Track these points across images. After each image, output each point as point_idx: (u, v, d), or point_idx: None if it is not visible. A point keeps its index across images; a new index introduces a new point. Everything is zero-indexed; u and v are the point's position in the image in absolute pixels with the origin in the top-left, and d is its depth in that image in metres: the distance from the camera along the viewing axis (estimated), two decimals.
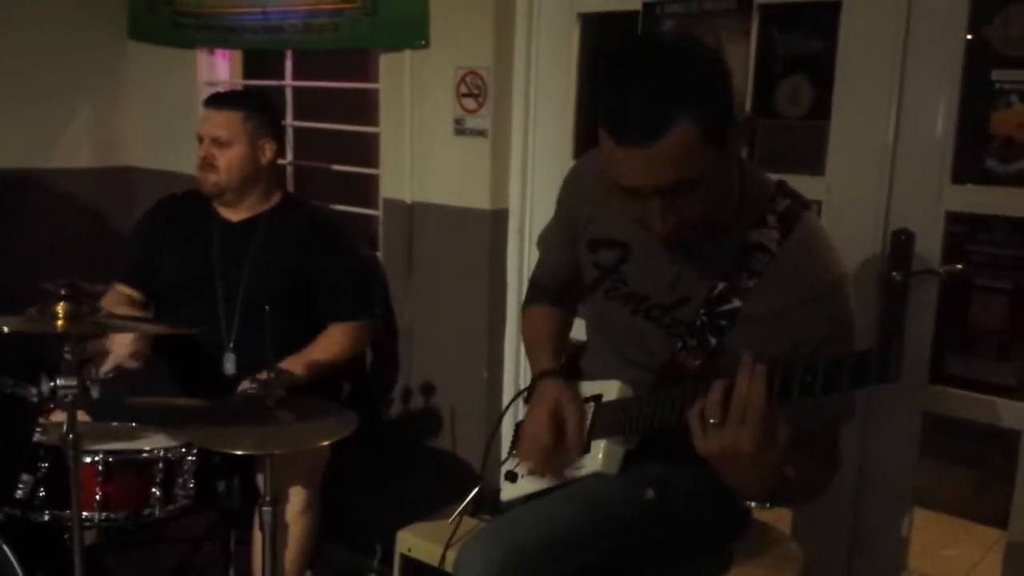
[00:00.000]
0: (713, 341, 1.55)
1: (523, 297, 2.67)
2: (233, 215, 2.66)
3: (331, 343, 2.59)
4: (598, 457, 1.63)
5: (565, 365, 1.83)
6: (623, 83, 1.38)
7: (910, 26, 2.01)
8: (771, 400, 1.31)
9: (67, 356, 1.73)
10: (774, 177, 1.64)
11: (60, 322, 1.70)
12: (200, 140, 2.62)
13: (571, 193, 1.78)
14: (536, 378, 1.79)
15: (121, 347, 2.36)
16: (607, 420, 1.65)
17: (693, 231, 1.48)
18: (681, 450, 1.42)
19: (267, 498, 2.09)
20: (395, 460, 2.95)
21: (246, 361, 2.49)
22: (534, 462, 1.71)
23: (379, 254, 3.00)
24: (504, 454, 1.92)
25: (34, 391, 1.91)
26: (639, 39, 1.47)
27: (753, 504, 1.80)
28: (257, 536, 2.34)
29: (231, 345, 2.56)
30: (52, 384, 1.70)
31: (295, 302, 2.55)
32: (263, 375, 2.16)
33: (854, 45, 2.09)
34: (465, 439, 2.81)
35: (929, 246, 2.04)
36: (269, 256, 2.60)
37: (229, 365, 2.56)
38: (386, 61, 2.84)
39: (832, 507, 2.19)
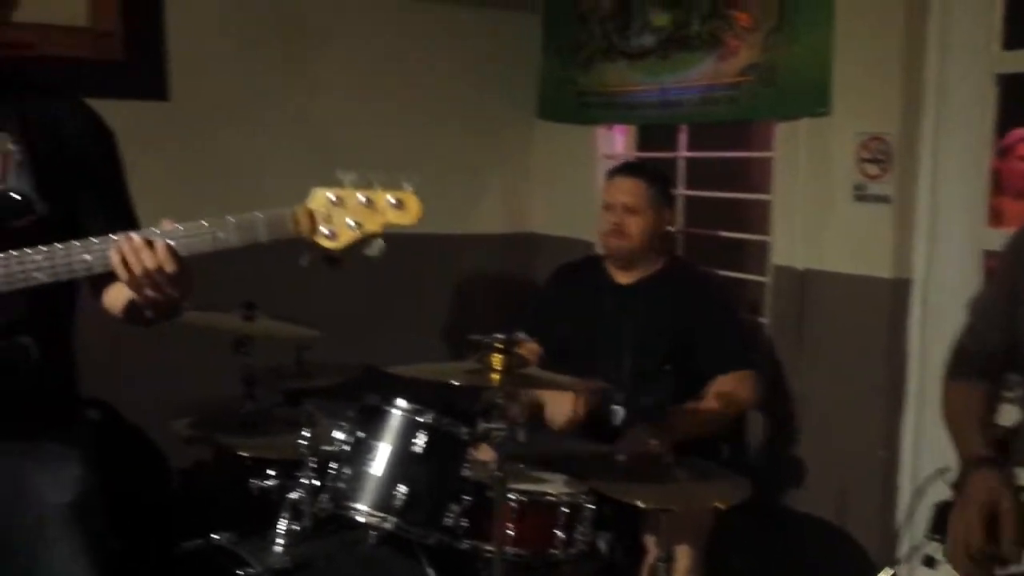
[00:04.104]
0: None
1: (923, 369, 2.55)
2: (624, 278, 2.81)
3: (717, 395, 2.60)
4: None
5: (995, 446, 1.70)
6: None
7: None
8: None
9: (499, 402, 1.93)
10: None
11: (495, 375, 1.90)
12: (607, 207, 2.77)
13: (1018, 258, 1.68)
14: (967, 464, 1.68)
15: (561, 410, 2.55)
16: None
17: None
18: None
19: (662, 553, 2.15)
20: (777, 531, 2.88)
21: (634, 414, 2.61)
22: (962, 565, 1.59)
23: (764, 320, 3.00)
24: (917, 536, 1.81)
25: (464, 430, 2.16)
26: None
27: None
28: None
29: (620, 399, 2.68)
30: (487, 426, 1.90)
31: (679, 359, 2.62)
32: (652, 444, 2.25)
33: None
34: (856, 519, 2.68)
35: None
36: (655, 315, 2.71)
37: (617, 418, 2.69)
38: (781, 129, 2.87)
39: None
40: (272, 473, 2.21)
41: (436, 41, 3.60)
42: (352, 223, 1.47)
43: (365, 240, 1.48)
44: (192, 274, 1.50)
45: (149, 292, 1.47)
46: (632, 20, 3.25)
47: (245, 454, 2.43)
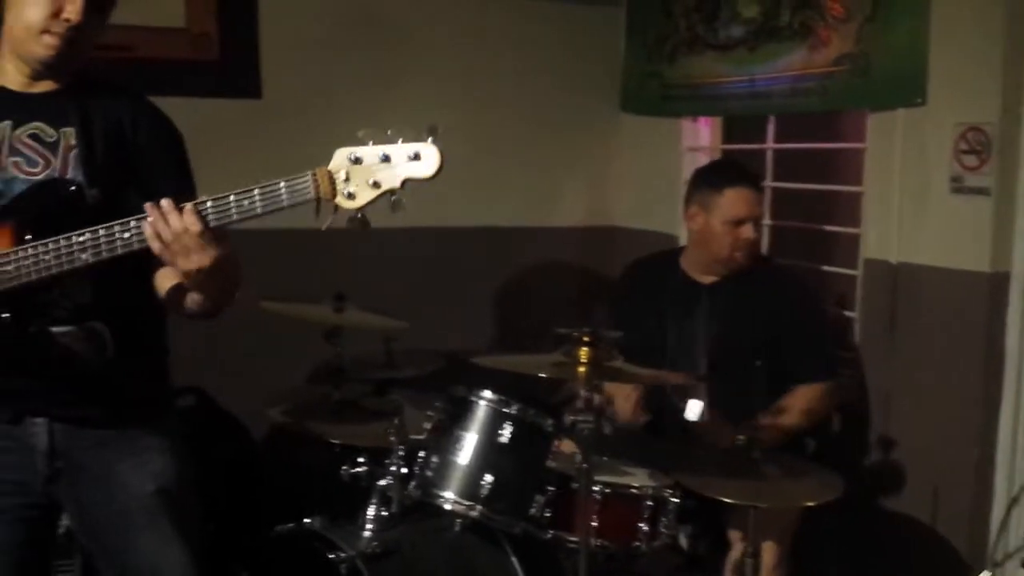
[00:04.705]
0: None
1: (1021, 366, 2.48)
2: (705, 278, 2.76)
3: (799, 406, 2.57)
4: None
5: None
6: None
7: None
8: None
9: (584, 394, 1.94)
10: None
11: (582, 368, 1.91)
12: (738, 222, 2.63)
13: None
14: None
15: (626, 403, 2.56)
16: None
17: None
18: None
19: (749, 548, 2.14)
20: (866, 528, 2.83)
21: (715, 410, 2.58)
22: None
23: (853, 315, 2.94)
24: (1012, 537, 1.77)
25: (549, 422, 2.17)
26: None
27: None
28: None
29: (700, 394, 2.65)
30: (572, 418, 1.91)
31: (768, 357, 2.58)
32: (740, 436, 2.22)
33: None
34: (947, 519, 2.61)
35: None
36: (738, 315, 2.67)
37: (692, 412, 2.65)
38: (875, 120, 2.80)
39: None
40: (361, 460, 2.26)
41: (520, 34, 3.62)
42: (371, 181, 1.46)
43: (385, 198, 1.47)
44: (227, 251, 1.52)
45: (182, 262, 1.50)
46: (719, 11, 3.22)
47: (335, 441, 2.50)
